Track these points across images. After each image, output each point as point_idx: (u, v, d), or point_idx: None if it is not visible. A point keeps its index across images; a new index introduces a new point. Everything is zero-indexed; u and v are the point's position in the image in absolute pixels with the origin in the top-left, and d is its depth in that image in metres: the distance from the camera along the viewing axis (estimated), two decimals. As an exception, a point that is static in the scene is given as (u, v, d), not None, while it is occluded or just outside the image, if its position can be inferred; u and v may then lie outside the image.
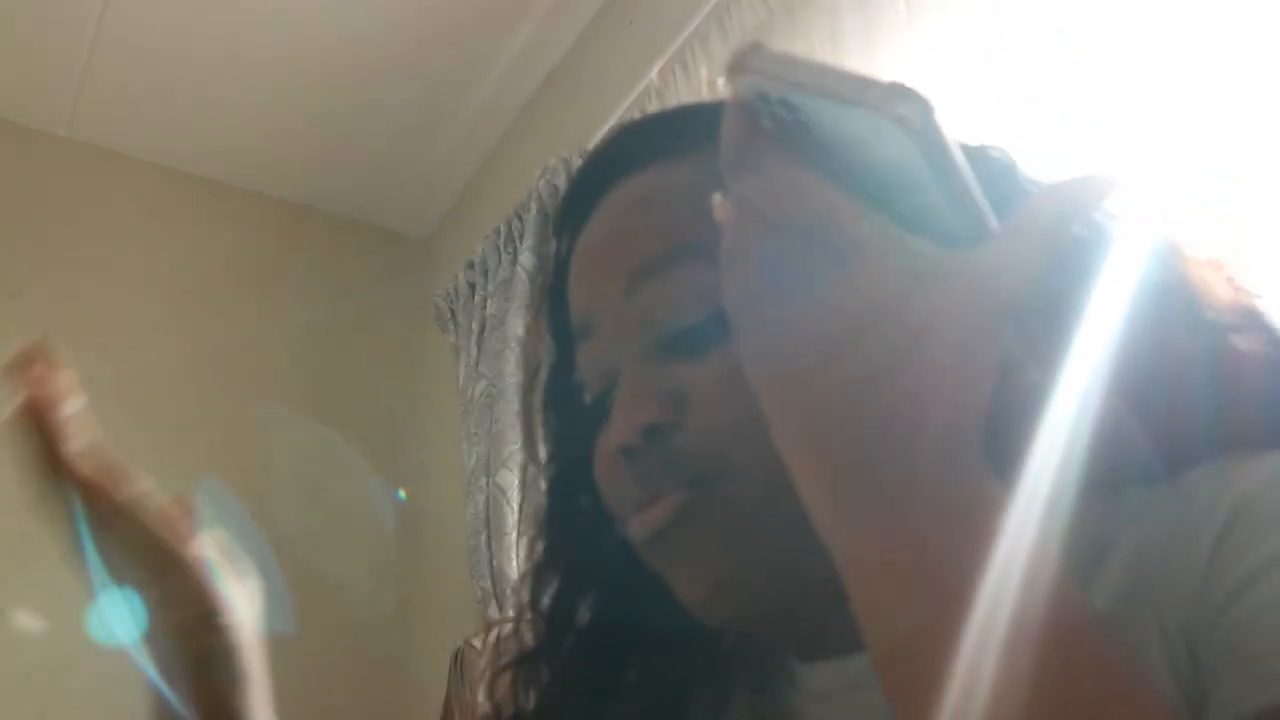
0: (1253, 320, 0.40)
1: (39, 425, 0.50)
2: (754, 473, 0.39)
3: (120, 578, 0.51)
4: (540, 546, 0.56)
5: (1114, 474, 0.37)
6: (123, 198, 2.30)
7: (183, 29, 2.01)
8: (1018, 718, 0.26)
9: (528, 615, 0.56)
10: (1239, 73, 0.84)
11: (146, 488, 0.53)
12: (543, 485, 0.57)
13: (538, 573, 0.55)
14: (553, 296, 0.54)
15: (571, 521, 0.54)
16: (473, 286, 2.05)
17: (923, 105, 0.28)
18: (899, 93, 0.28)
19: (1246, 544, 0.32)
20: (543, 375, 0.56)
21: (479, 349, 1.93)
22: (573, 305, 0.49)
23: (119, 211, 2.28)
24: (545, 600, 0.55)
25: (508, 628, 0.58)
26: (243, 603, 0.54)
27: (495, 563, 1.62)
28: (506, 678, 0.55)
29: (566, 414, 0.55)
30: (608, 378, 0.46)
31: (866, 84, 0.28)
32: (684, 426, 0.42)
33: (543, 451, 0.57)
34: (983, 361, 0.29)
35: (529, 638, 0.56)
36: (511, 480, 1.65)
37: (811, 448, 0.30)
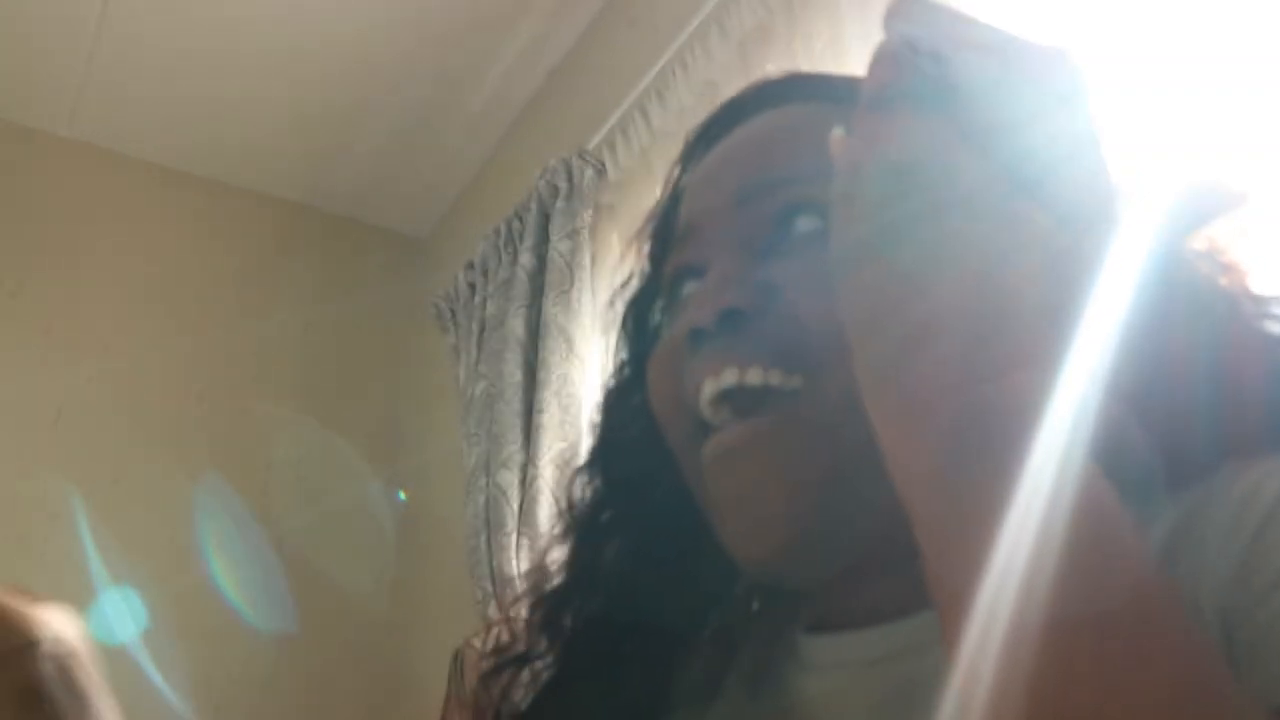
0: (1262, 324, 0.39)
1: None
2: (837, 378, 0.38)
3: None
4: (594, 478, 0.56)
5: (1113, 476, 0.37)
6: (123, 197, 2.30)
7: (183, 29, 2.01)
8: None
9: (540, 592, 0.56)
10: (1240, 73, 0.84)
11: None
12: (596, 416, 0.58)
13: (591, 498, 0.56)
14: (661, 221, 0.55)
15: (621, 455, 0.55)
16: (473, 287, 2.05)
17: (1073, 73, 0.27)
18: (1052, 57, 0.28)
19: None
20: (630, 291, 0.58)
21: (479, 349, 1.93)
22: (682, 215, 0.50)
23: (119, 211, 2.28)
24: (554, 581, 0.55)
25: (506, 618, 0.58)
26: (68, 626, 0.50)
27: (495, 563, 1.62)
28: (502, 674, 0.55)
29: (639, 343, 0.56)
30: (695, 275, 0.47)
31: (1020, 46, 0.28)
32: (769, 312, 0.42)
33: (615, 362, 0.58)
34: (1062, 329, 0.29)
35: (525, 630, 0.55)
36: (511, 480, 1.65)
37: (885, 382, 0.30)
